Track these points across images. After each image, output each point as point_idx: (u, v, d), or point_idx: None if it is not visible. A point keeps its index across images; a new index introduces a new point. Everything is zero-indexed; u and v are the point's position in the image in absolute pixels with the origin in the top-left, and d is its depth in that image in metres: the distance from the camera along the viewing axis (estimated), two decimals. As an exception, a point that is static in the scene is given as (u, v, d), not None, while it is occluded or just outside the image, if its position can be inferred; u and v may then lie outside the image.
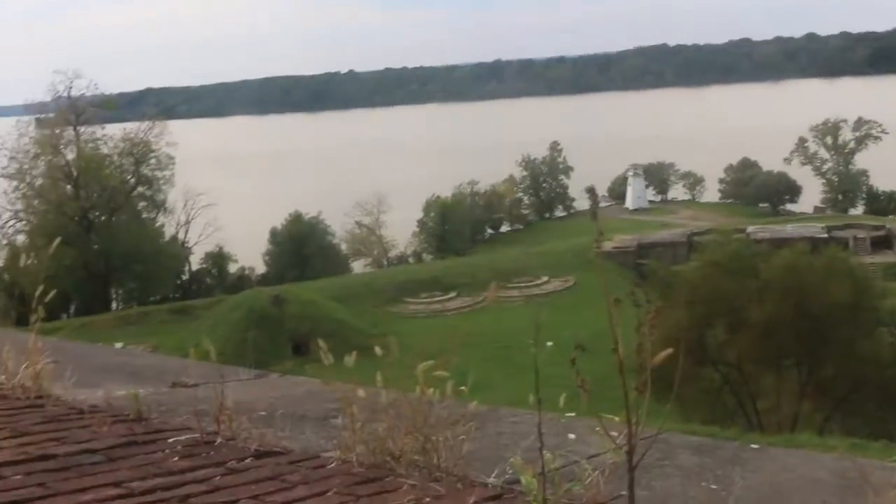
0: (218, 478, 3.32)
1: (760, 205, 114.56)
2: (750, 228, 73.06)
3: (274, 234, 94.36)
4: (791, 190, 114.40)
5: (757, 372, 35.64)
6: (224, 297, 70.55)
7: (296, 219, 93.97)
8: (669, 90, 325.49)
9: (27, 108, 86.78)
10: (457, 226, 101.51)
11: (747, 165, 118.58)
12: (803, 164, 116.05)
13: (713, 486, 3.47)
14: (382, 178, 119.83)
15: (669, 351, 2.94)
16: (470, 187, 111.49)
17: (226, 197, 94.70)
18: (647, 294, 39.78)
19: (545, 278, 70.84)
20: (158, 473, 3.33)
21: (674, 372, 3.32)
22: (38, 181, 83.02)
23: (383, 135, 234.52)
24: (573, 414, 3.88)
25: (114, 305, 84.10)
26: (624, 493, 3.00)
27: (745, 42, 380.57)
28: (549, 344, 3.27)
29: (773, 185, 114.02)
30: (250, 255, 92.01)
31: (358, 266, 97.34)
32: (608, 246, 67.18)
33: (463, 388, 3.59)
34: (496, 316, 58.26)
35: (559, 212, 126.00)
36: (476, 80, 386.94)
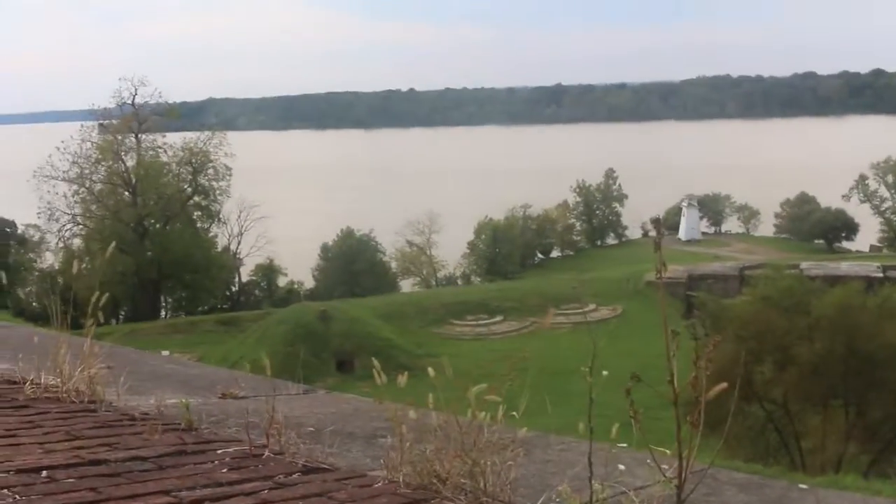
0: (266, 491, 3.34)
1: (816, 241, 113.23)
2: (803, 265, 72.19)
3: (325, 249, 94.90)
4: (848, 227, 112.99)
5: (803, 411, 35.15)
6: (271, 311, 71.02)
7: (347, 235, 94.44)
8: (730, 121, 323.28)
9: (91, 114, 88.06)
10: (507, 249, 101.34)
11: (804, 201, 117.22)
12: (862, 201, 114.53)
13: (761, 526, 3.43)
14: (436, 197, 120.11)
15: (724, 385, 2.92)
16: (523, 211, 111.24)
17: (279, 210, 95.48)
18: (704, 327, 39.50)
19: (593, 306, 70.48)
20: (207, 484, 3.35)
21: (721, 406, 3.29)
22: (98, 186, 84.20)
23: (439, 154, 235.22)
24: (625, 445, 3.85)
25: (162, 313, 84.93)
26: (671, 527, 2.97)
27: (810, 76, 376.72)
28: (605, 373, 3.25)
29: (829, 221, 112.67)
30: (300, 269, 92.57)
31: (406, 285, 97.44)
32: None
33: (514, 413, 3.58)
34: (542, 341, 58.11)
35: (611, 239, 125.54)
36: (535, 103, 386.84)
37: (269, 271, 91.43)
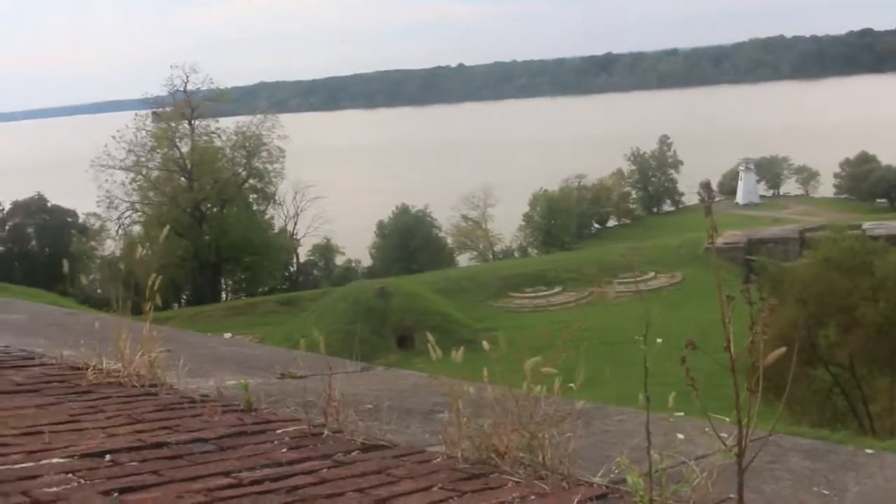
0: (325, 470, 3.35)
1: (878, 200, 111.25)
2: (865, 224, 71.01)
3: (381, 226, 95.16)
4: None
5: (870, 374, 34.61)
6: (330, 289, 71.37)
7: (403, 212, 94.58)
8: (785, 83, 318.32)
9: (144, 103, 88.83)
10: (563, 220, 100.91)
11: (865, 160, 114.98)
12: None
13: (825, 492, 3.39)
14: (490, 171, 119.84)
15: (782, 350, 2.87)
16: (577, 181, 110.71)
17: (334, 190, 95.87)
18: (760, 291, 38.96)
19: (652, 274, 69.96)
20: (267, 464, 3.38)
21: (783, 372, 3.24)
22: (154, 173, 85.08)
23: (491, 128, 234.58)
24: (682, 413, 3.82)
25: (223, 296, 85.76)
26: (732, 495, 2.94)
27: (867, 32, 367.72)
28: (659, 341, 3.21)
29: (891, 179, 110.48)
30: (357, 247, 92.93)
31: (463, 259, 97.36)
32: (717, 241, 66.14)
33: (571, 385, 3.56)
34: (602, 311, 57.84)
35: (667, 206, 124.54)
36: (586, 73, 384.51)
37: (326, 251, 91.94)
